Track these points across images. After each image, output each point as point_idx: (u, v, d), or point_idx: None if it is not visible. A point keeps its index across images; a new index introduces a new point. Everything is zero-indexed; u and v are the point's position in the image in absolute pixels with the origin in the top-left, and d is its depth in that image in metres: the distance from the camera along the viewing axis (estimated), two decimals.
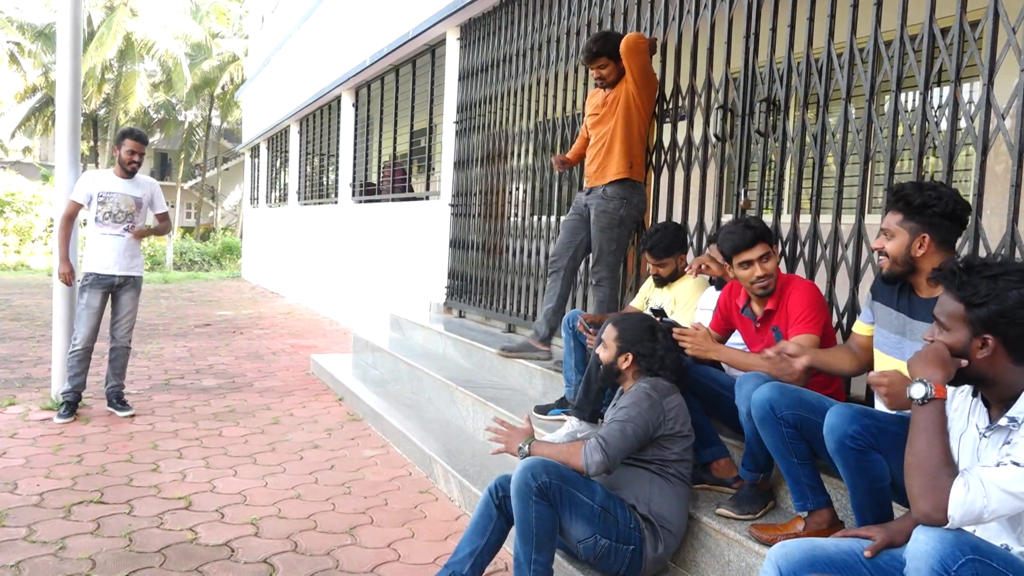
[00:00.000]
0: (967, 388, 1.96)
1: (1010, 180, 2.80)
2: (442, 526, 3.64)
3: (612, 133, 4.42)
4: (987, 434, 1.83)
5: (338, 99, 11.80)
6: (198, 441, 4.83)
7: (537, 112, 5.92)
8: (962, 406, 1.96)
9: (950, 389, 1.98)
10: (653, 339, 2.91)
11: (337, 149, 11.90)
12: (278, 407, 5.81)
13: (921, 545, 1.64)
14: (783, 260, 3.69)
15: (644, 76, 4.35)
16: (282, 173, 16.15)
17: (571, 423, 3.57)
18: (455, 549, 2.81)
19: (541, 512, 2.56)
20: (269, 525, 3.56)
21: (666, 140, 4.59)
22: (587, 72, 5.08)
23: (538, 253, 5.84)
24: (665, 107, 4.59)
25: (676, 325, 3.09)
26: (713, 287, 3.55)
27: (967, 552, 1.61)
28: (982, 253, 2.88)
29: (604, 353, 2.97)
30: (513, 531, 2.67)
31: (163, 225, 5.55)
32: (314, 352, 8.09)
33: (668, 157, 4.56)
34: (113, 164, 5.34)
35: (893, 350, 2.46)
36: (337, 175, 11.90)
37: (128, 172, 5.23)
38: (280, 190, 16.31)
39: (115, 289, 5.24)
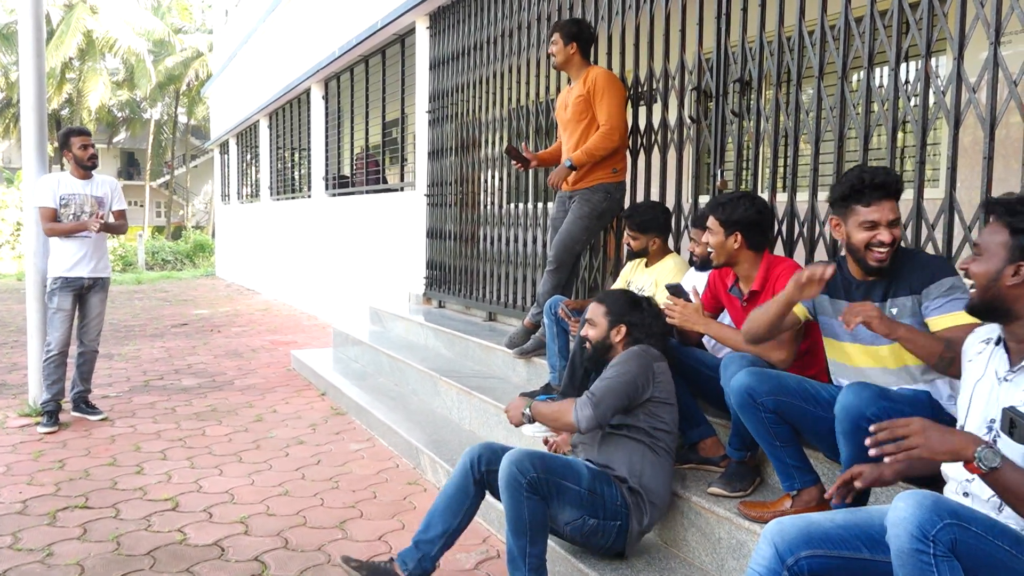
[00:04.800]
0: (986, 336, 2.00)
1: (982, 153, 2.84)
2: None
3: (585, 137, 4.36)
4: (1009, 377, 1.87)
5: (307, 92, 11.69)
6: (181, 441, 4.79)
7: (510, 99, 5.90)
8: (979, 357, 2.00)
9: (971, 341, 2.06)
10: (640, 309, 2.96)
11: (308, 143, 11.80)
12: (260, 404, 5.77)
13: (900, 512, 1.66)
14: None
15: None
16: (253, 168, 15.98)
17: None
18: (424, 522, 2.77)
19: (533, 507, 2.55)
20: (258, 523, 3.55)
21: (641, 123, 4.60)
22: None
23: (516, 240, 5.84)
24: (639, 90, 4.59)
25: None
26: (694, 268, 3.57)
27: (945, 517, 1.63)
28: (957, 225, 2.92)
29: (594, 331, 2.97)
30: (492, 517, 2.69)
31: (121, 223, 5.31)
32: (294, 348, 8.04)
33: (644, 140, 4.57)
34: (68, 167, 5.15)
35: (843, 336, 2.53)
36: (309, 169, 11.81)
37: (87, 169, 5.10)
38: (252, 186, 16.15)
39: (84, 291, 5.15)
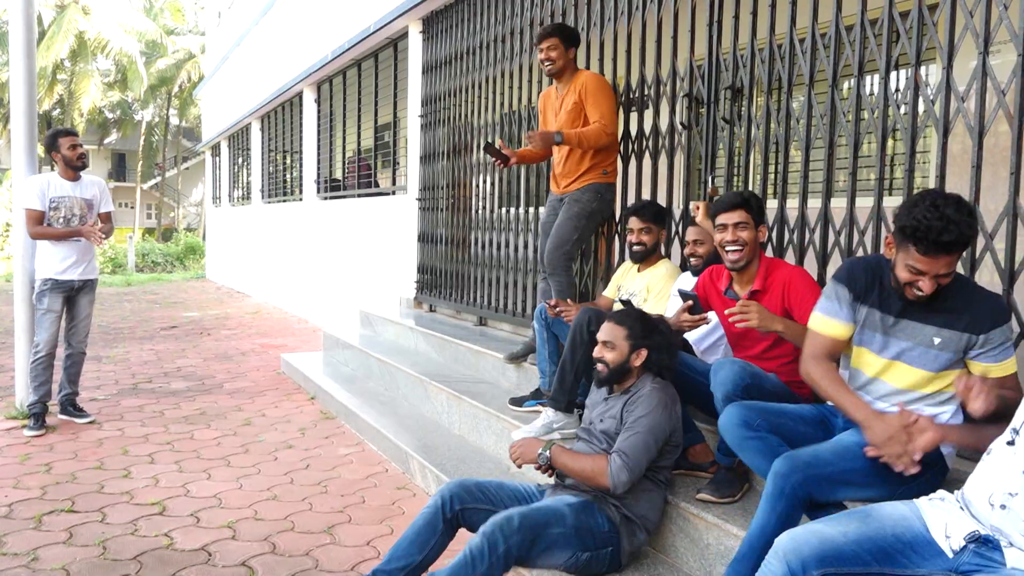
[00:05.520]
0: None
1: (971, 161, 2.86)
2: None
3: (582, 155, 4.35)
4: None
5: (300, 95, 11.68)
6: (169, 445, 4.76)
7: (502, 104, 5.91)
8: None
9: None
10: (659, 332, 2.85)
11: (300, 146, 11.78)
12: (250, 408, 5.75)
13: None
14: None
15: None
16: (244, 171, 15.95)
17: (547, 414, 3.58)
18: (389, 553, 2.65)
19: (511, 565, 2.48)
20: (246, 527, 3.53)
21: (633, 129, 4.61)
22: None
23: (507, 245, 5.84)
24: (631, 96, 4.60)
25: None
26: (690, 273, 3.57)
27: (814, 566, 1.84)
28: None
29: (612, 354, 2.83)
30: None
31: (107, 226, 5.22)
32: (284, 351, 8.01)
33: (636, 146, 4.57)
34: (57, 168, 5.10)
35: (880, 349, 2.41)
36: (301, 172, 11.78)
37: (77, 169, 5.07)
38: (243, 188, 16.11)
39: (73, 293, 5.13)
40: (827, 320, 2.44)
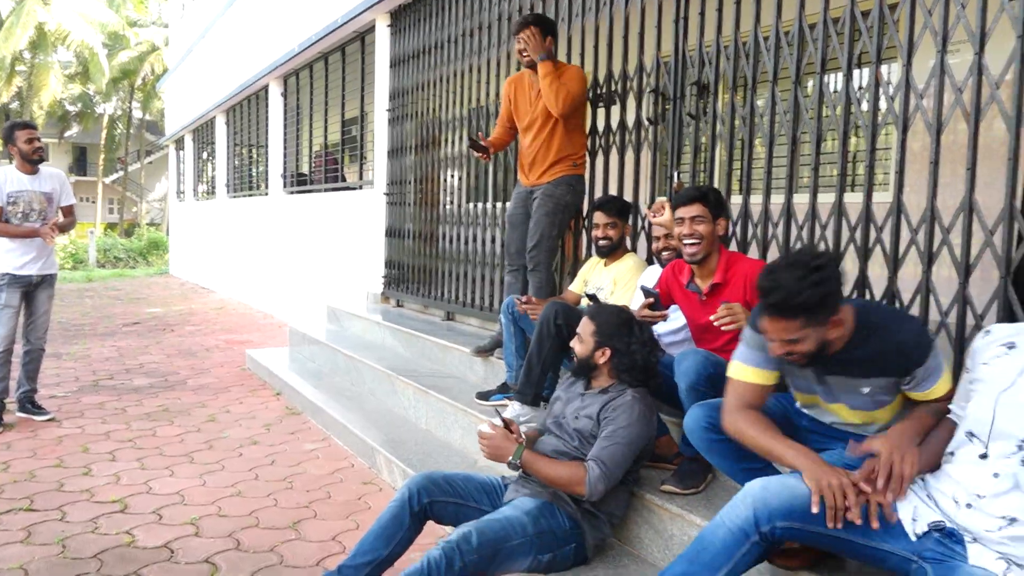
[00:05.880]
0: (1008, 340, 1.92)
1: (929, 158, 2.91)
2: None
3: (549, 141, 4.37)
4: None
5: (266, 88, 11.55)
6: (131, 442, 4.69)
7: (470, 99, 5.89)
8: (999, 362, 1.91)
9: (984, 343, 1.97)
10: (630, 335, 2.83)
11: (266, 140, 11.66)
12: (214, 404, 5.68)
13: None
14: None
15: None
16: (209, 165, 15.74)
17: (513, 408, 3.59)
18: (354, 549, 2.63)
19: None
20: (209, 524, 3.49)
21: (600, 124, 4.63)
22: (519, 64, 5.07)
23: (475, 240, 5.83)
24: (599, 92, 4.62)
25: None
26: (658, 265, 3.60)
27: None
28: (903, 228, 2.99)
29: (580, 347, 2.87)
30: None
31: (69, 220, 5.17)
32: (249, 347, 7.93)
33: (603, 141, 4.60)
34: (14, 162, 4.97)
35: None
36: (267, 166, 11.66)
37: (33, 163, 4.96)
38: (208, 183, 15.90)
39: (32, 288, 5.03)
40: (748, 369, 2.29)
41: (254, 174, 12.83)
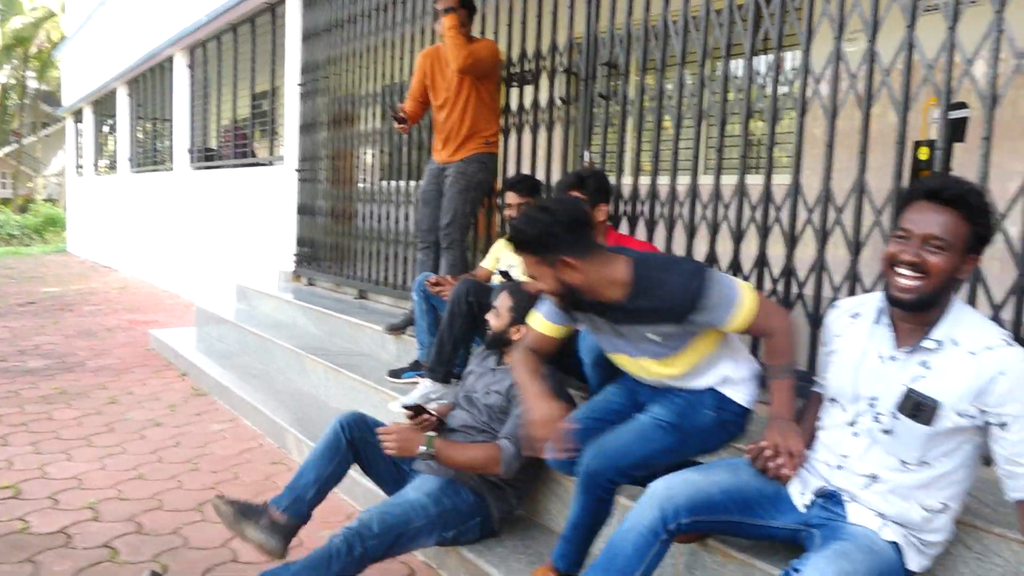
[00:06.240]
0: (854, 311, 2.04)
1: (825, 141, 3.03)
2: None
3: (463, 116, 4.35)
4: (896, 357, 1.89)
5: (171, 60, 11.10)
6: (24, 426, 4.48)
7: (384, 75, 5.81)
8: (850, 331, 2.02)
9: (835, 316, 2.09)
10: None
11: (171, 113, 11.22)
12: (115, 386, 5.47)
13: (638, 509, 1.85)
14: (625, 219, 3.84)
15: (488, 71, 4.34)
16: (110, 139, 15.05)
17: (425, 384, 3.59)
18: (296, 475, 2.67)
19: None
20: (109, 508, 3.37)
21: (514, 103, 4.64)
22: (434, 36, 5.03)
23: (388, 218, 5.78)
24: (512, 70, 4.62)
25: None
26: None
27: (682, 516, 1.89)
28: (801, 209, 3.11)
29: (496, 321, 2.89)
30: (358, 493, 2.63)
31: None
32: (153, 327, 7.66)
33: (516, 120, 4.61)
34: None
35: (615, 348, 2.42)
36: (172, 141, 11.23)
37: None
38: (109, 157, 15.21)
39: None
40: (540, 319, 2.51)
41: (159, 148, 12.35)
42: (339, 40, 6.44)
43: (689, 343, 2.25)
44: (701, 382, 2.34)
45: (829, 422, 2.06)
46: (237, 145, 9.48)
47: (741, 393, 2.35)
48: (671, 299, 2.14)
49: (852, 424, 1.98)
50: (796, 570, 1.73)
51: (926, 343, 1.85)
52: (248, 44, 8.85)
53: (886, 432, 1.90)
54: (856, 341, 1.99)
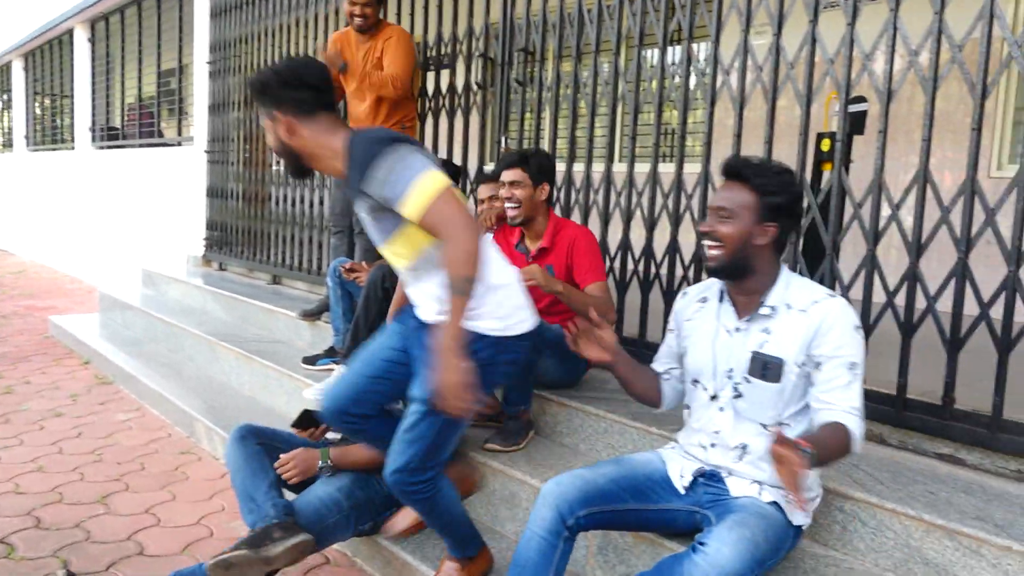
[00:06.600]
0: (701, 295, 2.16)
1: (733, 131, 3.12)
2: (206, 485, 3.49)
3: (378, 102, 4.26)
4: (740, 327, 2.03)
5: (70, 33, 10.58)
6: None
7: (298, 55, 5.67)
8: (700, 315, 2.14)
9: (684, 303, 2.20)
10: None
11: (72, 89, 10.69)
12: (11, 375, 5.21)
13: (722, 559, 1.73)
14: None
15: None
16: (5, 115, 14.24)
17: (340, 372, 3.55)
18: (241, 497, 2.52)
19: None
20: (5, 502, 3.22)
21: (430, 87, 4.60)
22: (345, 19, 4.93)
23: (302, 201, 5.66)
24: (428, 55, 4.58)
25: None
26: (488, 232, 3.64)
27: (756, 571, 1.77)
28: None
29: None
30: None
31: None
32: (53, 313, 7.32)
33: (432, 104, 4.58)
34: None
35: None
36: (73, 118, 10.71)
37: None
38: (4, 134, 14.40)
39: None
40: None
41: (59, 126, 11.76)
42: (250, 18, 6.25)
43: (400, 228, 2.12)
44: (435, 283, 2.15)
45: (696, 404, 2.15)
46: (143, 124, 9.12)
47: (486, 323, 2.16)
48: (355, 166, 2.08)
49: (715, 399, 2.08)
50: (701, 543, 1.80)
51: (762, 310, 2.00)
52: (154, 19, 8.51)
53: (739, 397, 2.03)
54: (707, 322, 2.12)
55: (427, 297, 2.24)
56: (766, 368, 1.96)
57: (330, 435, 3.09)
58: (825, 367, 1.93)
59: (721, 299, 2.11)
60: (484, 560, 2.49)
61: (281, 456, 2.63)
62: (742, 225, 1.95)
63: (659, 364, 2.30)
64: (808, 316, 1.95)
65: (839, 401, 1.91)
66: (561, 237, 3.07)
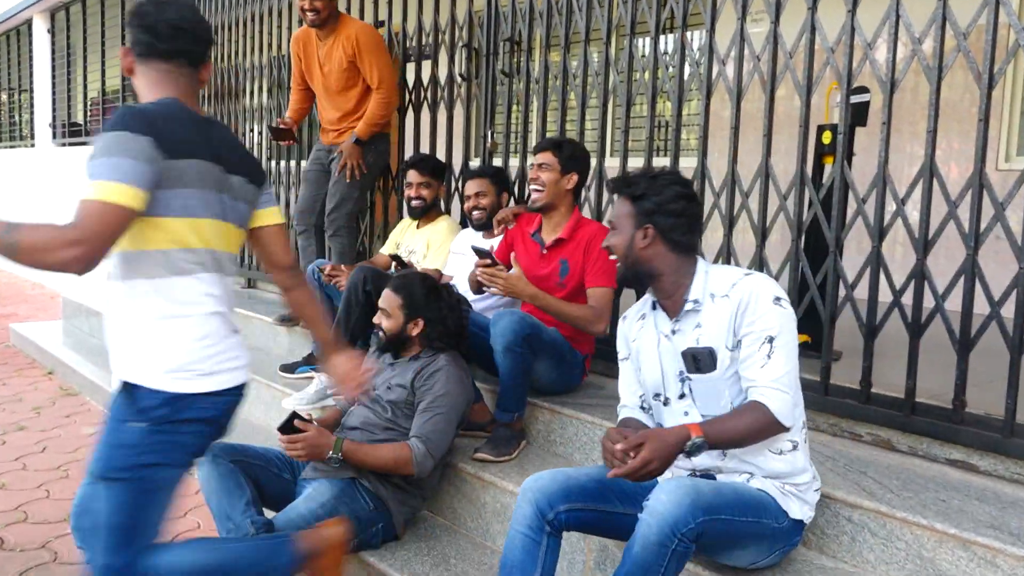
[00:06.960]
0: (640, 313, 2.20)
1: (730, 123, 3.00)
2: (179, 502, 3.31)
3: (357, 99, 4.13)
4: (674, 329, 2.07)
5: (29, 23, 10.27)
6: None
7: (271, 46, 5.49)
8: (643, 332, 2.17)
9: (627, 326, 2.22)
10: (439, 300, 2.75)
11: (31, 83, 10.39)
12: None
13: (658, 506, 1.76)
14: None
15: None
16: None
17: (320, 379, 3.44)
18: (217, 515, 2.47)
19: None
20: None
21: (410, 79, 4.45)
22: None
23: (277, 199, 5.47)
24: (408, 45, 4.43)
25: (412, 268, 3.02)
26: (472, 229, 3.52)
27: (699, 516, 1.75)
28: (707, 192, 3.09)
29: (388, 322, 2.73)
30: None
31: None
32: (14, 321, 7.08)
33: (413, 97, 4.43)
34: None
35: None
36: (32, 114, 10.41)
37: None
38: None
39: None
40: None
41: (17, 122, 11.44)
42: (219, 7, 6.04)
43: (247, 211, 2.11)
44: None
45: (664, 416, 2.13)
46: (107, 120, 8.89)
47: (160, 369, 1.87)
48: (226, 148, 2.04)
49: (679, 401, 2.08)
50: (646, 501, 1.80)
51: (687, 306, 2.04)
52: (117, 8, 8.26)
53: (683, 397, 2.06)
54: (649, 334, 2.16)
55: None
56: (697, 360, 2.01)
57: (330, 402, 3.09)
58: (744, 343, 1.96)
59: (654, 308, 2.16)
60: None
61: (291, 435, 2.46)
62: (625, 235, 2.05)
63: (627, 396, 2.26)
64: (729, 299, 2.00)
65: (759, 377, 1.92)
66: (582, 233, 3.01)
